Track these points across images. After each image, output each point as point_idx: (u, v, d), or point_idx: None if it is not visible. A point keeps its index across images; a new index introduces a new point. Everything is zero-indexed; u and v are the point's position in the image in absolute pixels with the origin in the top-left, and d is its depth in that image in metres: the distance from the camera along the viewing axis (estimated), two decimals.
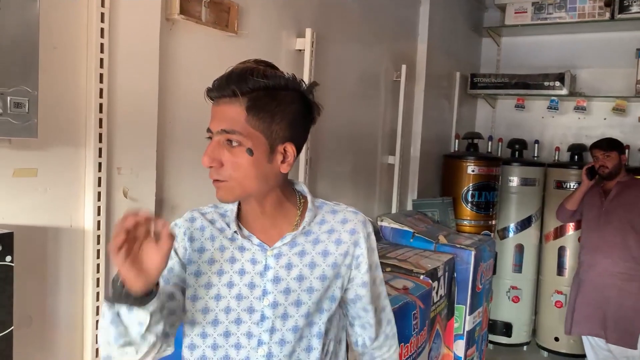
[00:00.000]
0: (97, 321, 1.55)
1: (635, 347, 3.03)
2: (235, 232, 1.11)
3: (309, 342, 1.12)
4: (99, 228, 1.53)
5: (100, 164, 1.52)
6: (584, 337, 3.34)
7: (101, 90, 1.50)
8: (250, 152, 1.02)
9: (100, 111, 1.51)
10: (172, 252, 1.09)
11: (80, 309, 1.55)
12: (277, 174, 1.08)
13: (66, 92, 1.46)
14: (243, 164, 1.02)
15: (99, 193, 1.53)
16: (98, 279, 1.55)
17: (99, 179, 1.52)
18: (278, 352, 1.09)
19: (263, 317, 1.09)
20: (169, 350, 1.08)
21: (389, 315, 1.32)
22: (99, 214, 1.53)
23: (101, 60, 1.49)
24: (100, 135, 1.51)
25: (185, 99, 1.85)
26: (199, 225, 1.14)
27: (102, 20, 1.49)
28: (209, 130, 1.04)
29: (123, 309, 0.93)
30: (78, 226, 1.52)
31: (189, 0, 1.82)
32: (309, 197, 1.17)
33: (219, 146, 1.02)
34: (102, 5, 1.49)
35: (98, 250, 1.54)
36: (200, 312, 1.09)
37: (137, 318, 0.93)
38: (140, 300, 0.92)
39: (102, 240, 1.54)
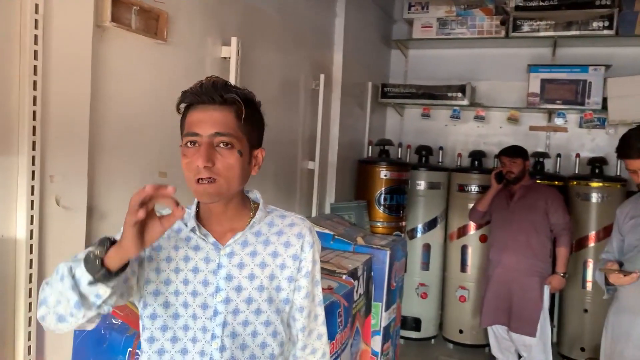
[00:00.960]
0: (29, 332, 1.52)
1: (534, 335, 3.37)
2: (192, 229, 1.17)
3: (263, 339, 1.20)
4: (31, 237, 1.51)
5: (33, 172, 1.50)
6: (488, 328, 3.65)
7: (35, 97, 1.48)
8: (240, 153, 1.11)
9: (34, 119, 1.49)
10: None
11: (11, 321, 1.51)
12: (248, 176, 1.18)
13: None
14: (234, 164, 1.11)
15: (32, 201, 1.50)
16: (30, 289, 1.52)
17: (32, 187, 1.50)
18: (230, 345, 1.16)
19: (216, 312, 1.16)
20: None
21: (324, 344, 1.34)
22: (32, 222, 1.50)
23: (35, 67, 1.48)
24: (34, 143, 1.49)
25: (116, 105, 1.85)
26: None
27: (36, 27, 1.47)
28: (193, 134, 1.09)
29: (85, 280, 0.98)
30: (10, 236, 1.49)
31: (119, 7, 1.83)
32: (261, 202, 1.26)
33: (211, 148, 1.09)
34: (36, 12, 1.47)
35: (31, 260, 1.51)
36: (161, 306, 1.16)
37: (97, 291, 0.99)
38: (108, 275, 0.98)
39: (35, 249, 1.52)
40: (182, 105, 1.15)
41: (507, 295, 3.46)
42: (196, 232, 1.18)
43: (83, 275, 0.98)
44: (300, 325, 1.27)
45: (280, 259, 1.22)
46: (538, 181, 3.86)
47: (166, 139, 2.07)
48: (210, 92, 1.10)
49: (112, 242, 1.00)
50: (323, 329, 1.33)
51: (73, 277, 0.99)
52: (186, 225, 1.20)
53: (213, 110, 1.10)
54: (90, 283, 0.98)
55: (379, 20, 4.55)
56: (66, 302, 1.00)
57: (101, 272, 0.97)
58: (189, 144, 1.11)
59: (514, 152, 3.52)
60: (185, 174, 1.12)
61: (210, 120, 1.10)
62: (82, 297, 0.99)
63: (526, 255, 3.42)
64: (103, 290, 0.99)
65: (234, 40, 2.44)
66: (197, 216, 1.20)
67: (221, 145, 1.09)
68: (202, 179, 1.09)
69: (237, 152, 1.11)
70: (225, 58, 2.47)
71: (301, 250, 1.24)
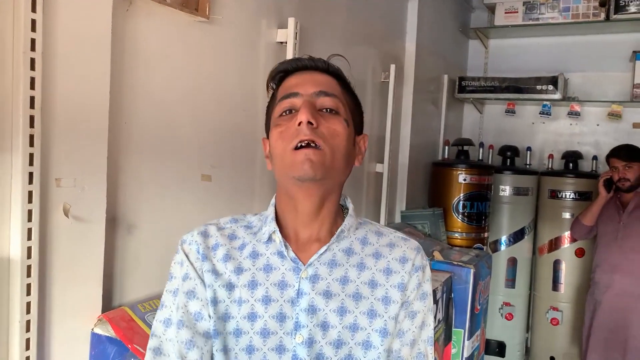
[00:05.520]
0: None
1: None
2: (269, 238, 0.93)
3: None
4: (29, 256, 1.19)
5: (31, 174, 1.18)
6: None
7: (33, 79, 1.16)
8: (347, 123, 0.92)
9: (32, 106, 1.17)
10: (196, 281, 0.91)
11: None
12: (351, 166, 0.95)
13: None
14: (341, 132, 0.90)
15: (30, 211, 1.19)
16: (28, 322, 1.20)
17: (30, 193, 1.18)
18: None
19: (295, 359, 0.87)
20: None
21: None
22: (29, 238, 1.19)
23: (32, 41, 1.16)
24: (32, 137, 1.17)
25: (145, 95, 1.53)
26: (213, 243, 0.94)
27: None
28: (291, 95, 0.91)
29: None
30: (2, 255, 1.18)
31: None
32: (350, 207, 0.99)
33: (313, 107, 0.89)
34: None
35: (28, 285, 1.20)
36: (220, 351, 0.89)
37: None
38: None
39: (34, 271, 1.20)
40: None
41: (621, 326, 2.87)
42: (271, 241, 0.92)
43: None
44: None
45: (381, 290, 0.90)
46: None
47: (209, 136, 1.74)
48: (311, 58, 0.96)
49: None
50: None
51: None
52: (255, 235, 0.95)
53: (315, 74, 0.95)
54: None
55: (455, 7, 4.07)
56: None
57: None
58: (284, 113, 0.91)
59: (629, 154, 2.93)
60: (276, 149, 0.90)
61: (313, 81, 0.93)
62: None
63: None
64: None
65: (291, 21, 2.08)
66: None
67: (325, 110, 0.91)
68: (303, 142, 0.86)
69: (344, 121, 0.92)
70: (281, 43, 2.11)
71: (409, 278, 0.94)
